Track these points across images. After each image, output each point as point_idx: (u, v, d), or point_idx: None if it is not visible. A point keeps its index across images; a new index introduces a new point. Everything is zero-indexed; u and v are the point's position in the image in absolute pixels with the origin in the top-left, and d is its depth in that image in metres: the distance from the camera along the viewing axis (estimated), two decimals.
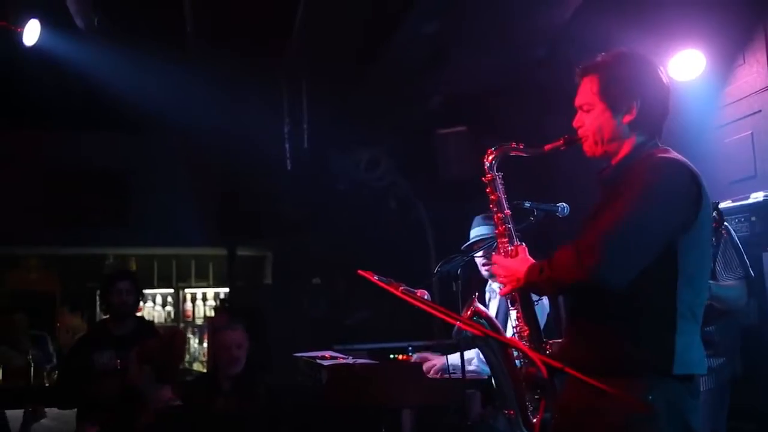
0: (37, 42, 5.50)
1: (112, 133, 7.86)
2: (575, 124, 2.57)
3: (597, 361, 2.31)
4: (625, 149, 2.50)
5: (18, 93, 6.49)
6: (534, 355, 2.03)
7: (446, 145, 6.80)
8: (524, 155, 2.77)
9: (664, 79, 2.54)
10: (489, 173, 2.81)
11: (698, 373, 2.34)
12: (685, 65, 5.16)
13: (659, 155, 2.41)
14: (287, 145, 7.27)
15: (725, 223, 3.74)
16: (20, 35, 5.46)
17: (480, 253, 4.05)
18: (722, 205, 4.34)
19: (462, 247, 4.17)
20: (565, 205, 3.56)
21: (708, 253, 2.47)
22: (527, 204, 3.59)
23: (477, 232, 4.19)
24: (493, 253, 2.85)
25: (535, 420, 2.75)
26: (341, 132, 7.14)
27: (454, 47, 5.92)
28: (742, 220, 4.23)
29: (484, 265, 4.15)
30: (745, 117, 5.07)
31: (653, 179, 2.30)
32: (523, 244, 2.75)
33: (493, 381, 3.02)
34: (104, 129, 7.76)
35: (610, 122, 2.48)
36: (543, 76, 5.59)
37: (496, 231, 2.82)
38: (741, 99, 5.11)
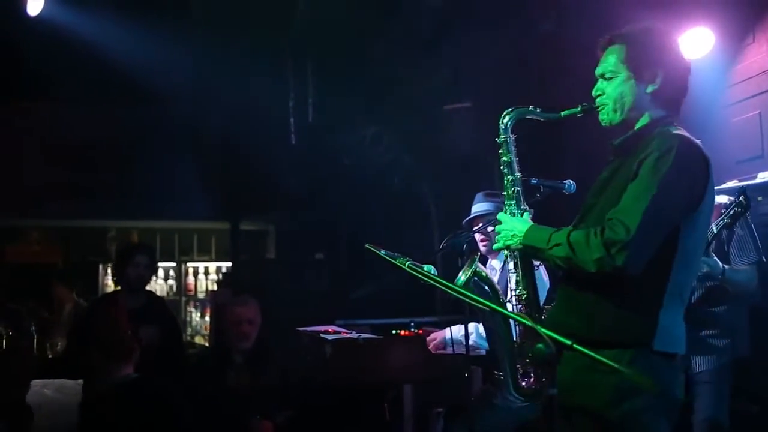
0: (41, 12, 5.47)
1: (115, 105, 7.82)
2: (595, 92, 2.57)
3: (585, 330, 2.35)
4: (643, 120, 2.51)
5: (21, 64, 6.46)
6: (543, 332, 2.04)
7: (451, 121, 6.78)
8: (540, 119, 2.74)
9: (686, 57, 2.55)
10: (503, 134, 2.77)
11: (677, 352, 2.38)
12: (693, 43, 5.12)
13: (675, 132, 2.41)
14: (292, 120, 7.25)
15: (746, 190, 3.70)
16: (24, 5, 5.43)
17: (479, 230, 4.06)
18: (728, 184, 4.33)
19: (463, 222, 4.17)
20: (571, 182, 3.54)
21: (704, 236, 2.50)
22: (534, 180, 3.57)
23: (478, 208, 4.19)
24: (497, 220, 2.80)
25: (525, 383, 2.72)
26: (346, 107, 7.12)
27: (460, 22, 5.88)
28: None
29: (482, 241, 4.15)
30: (753, 96, 5.04)
31: (670, 163, 2.29)
32: (531, 210, 2.75)
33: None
34: (108, 101, 7.72)
35: (634, 90, 2.48)
36: (550, 52, 5.55)
37: (504, 192, 2.78)
38: (750, 78, 5.08)
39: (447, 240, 3.83)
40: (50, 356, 6.29)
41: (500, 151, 2.78)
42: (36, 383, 5.43)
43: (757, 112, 5.00)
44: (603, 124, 2.56)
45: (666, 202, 2.28)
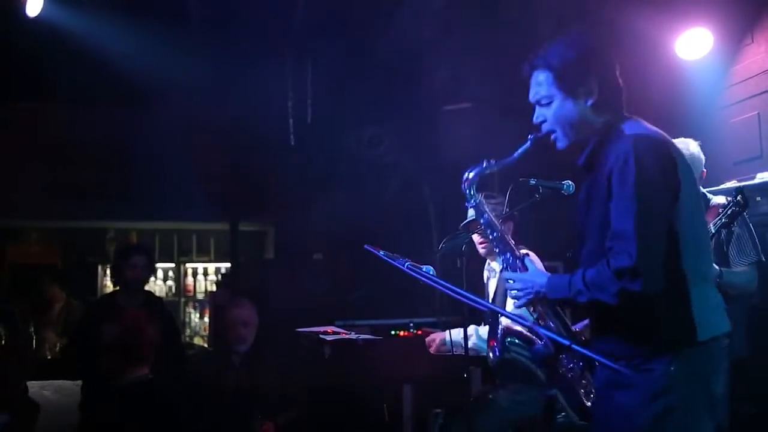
0: (40, 13, 5.46)
1: (114, 106, 7.81)
2: (536, 120, 2.54)
3: (622, 348, 2.32)
4: (594, 133, 2.48)
5: (20, 64, 6.45)
6: (542, 333, 2.05)
7: (450, 123, 6.78)
8: (496, 170, 2.71)
9: (609, 53, 2.51)
10: (472, 200, 2.77)
11: (722, 333, 2.35)
12: (692, 44, 5.14)
13: (625, 133, 2.38)
14: (291, 121, 7.24)
15: (743, 191, 3.69)
16: (23, 6, 5.42)
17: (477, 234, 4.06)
18: (727, 185, 4.33)
19: (460, 226, 4.17)
20: (570, 182, 3.55)
21: (697, 208, 2.46)
22: (532, 181, 3.59)
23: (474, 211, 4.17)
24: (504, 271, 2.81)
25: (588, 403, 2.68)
26: (345, 108, 7.11)
27: (460, 23, 5.88)
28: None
29: (480, 243, 4.15)
30: (752, 97, 5.05)
31: (634, 169, 2.26)
32: (530, 253, 2.75)
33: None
34: (107, 102, 7.70)
35: (574, 110, 2.46)
36: None
37: (497, 250, 2.80)
38: (748, 78, 5.09)
39: (446, 241, 3.84)
40: (49, 357, 6.31)
41: (475, 215, 2.81)
42: (34, 384, 5.45)
43: (756, 112, 5.00)
44: (560, 149, 2.54)
45: (651, 208, 2.26)
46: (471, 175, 2.74)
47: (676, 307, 2.30)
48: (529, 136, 2.57)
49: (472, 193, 2.76)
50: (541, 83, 2.49)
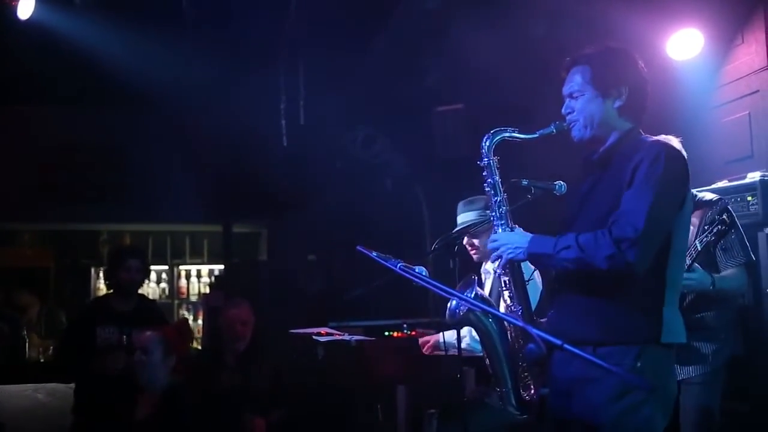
0: (32, 16, 5.45)
1: (106, 108, 7.80)
2: (565, 110, 2.72)
3: (589, 331, 2.47)
4: (614, 134, 2.67)
5: (12, 67, 6.44)
6: (534, 333, 2.07)
7: (444, 123, 6.79)
8: (518, 140, 2.88)
9: (644, 72, 2.71)
10: (485, 157, 2.90)
11: (681, 341, 2.54)
12: (683, 44, 5.15)
13: (656, 138, 2.59)
14: (283, 122, 7.24)
15: (729, 208, 3.73)
16: (15, 9, 5.41)
17: (467, 239, 4.08)
18: (718, 184, 4.35)
19: (452, 233, 4.16)
20: (562, 183, 3.56)
21: (687, 231, 2.64)
22: (524, 182, 3.59)
23: (463, 218, 4.16)
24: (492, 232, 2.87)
25: (527, 396, 2.79)
26: (338, 109, 7.12)
27: (454, 24, 5.89)
28: (739, 200, 4.23)
29: (471, 250, 4.16)
30: (742, 97, 5.07)
31: (662, 167, 2.45)
32: (520, 228, 2.84)
33: (486, 360, 3.03)
34: (99, 104, 7.70)
35: (601, 107, 2.65)
36: (542, 54, 5.57)
37: (493, 214, 2.88)
38: (739, 79, 5.11)
39: (439, 242, 3.84)
40: (42, 360, 6.30)
41: (483, 174, 2.91)
42: (28, 387, 5.44)
43: (747, 112, 5.02)
44: (575, 140, 2.72)
45: (664, 202, 2.42)
46: (491, 134, 2.89)
47: (650, 303, 2.47)
48: (553, 123, 2.75)
49: (487, 151, 2.88)
50: (577, 78, 2.69)
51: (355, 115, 7.25)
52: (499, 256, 2.71)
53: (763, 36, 4.91)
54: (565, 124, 2.72)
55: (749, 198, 4.22)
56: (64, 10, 5.72)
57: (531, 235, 2.69)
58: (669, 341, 2.47)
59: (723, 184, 4.36)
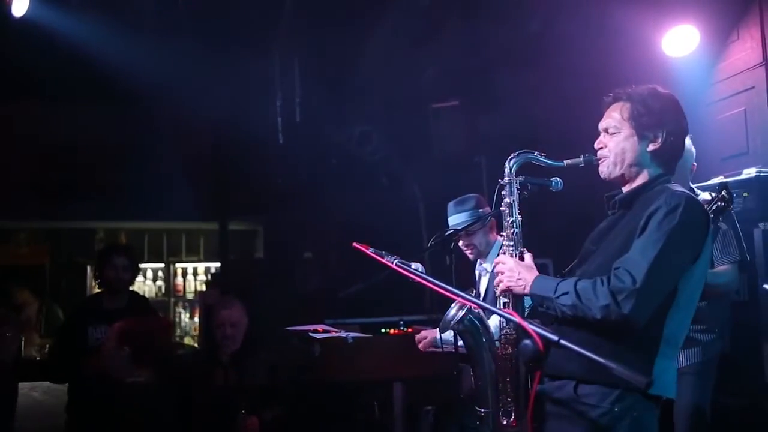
0: (26, 13, 5.43)
1: (102, 106, 7.78)
2: (597, 145, 2.67)
3: (572, 366, 2.40)
4: (642, 177, 2.61)
5: (7, 64, 6.42)
6: (530, 329, 2.06)
7: (439, 120, 6.78)
8: (543, 165, 2.80)
9: (685, 121, 2.65)
10: (507, 177, 2.83)
11: (668, 396, 2.46)
12: (679, 41, 5.16)
13: (679, 189, 2.50)
14: (279, 119, 7.22)
15: (728, 185, 3.71)
16: (9, 6, 5.39)
17: (462, 240, 4.07)
18: (713, 180, 4.36)
19: (445, 235, 4.16)
20: (558, 179, 3.56)
21: (701, 283, 2.54)
22: (521, 178, 3.59)
23: (455, 220, 4.14)
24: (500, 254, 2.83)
25: (505, 422, 2.74)
26: (334, 106, 7.11)
27: (449, 20, 5.88)
28: (734, 196, 4.23)
29: (467, 249, 4.15)
30: (738, 93, 5.08)
31: (677, 219, 2.38)
32: (530, 253, 2.78)
33: (472, 378, 3.00)
34: (95, 102, 7.68)
35: (635, 147, 2.59)
36: (537, 50, 5.57)
37: (503, 234, 2.83)
38: (735, 75, 5.12)
39: (435, 238, 3.84)
40: (38, 358, 6.28)
41: (503, 192, 2.84)
42: (24, 386, 5.42)
43: (742, 108, 5.03)
44: (602, 176, 2.66)
45: (672, 256, 2.35)
46: (517, 155, 2.82)
47: (642, 354, 2.38)
48: (583, 155, 2.69)
49: (510, 169, 2.82)
50: (615, 115, 2.63)
51: (351, 112, 7.24)
52: (501, 281, 2.65)
53: (759, 32, 4.92)
54: (594, 159, 2.66)
55: (745, 194, 4.23)
56: (59, 7, 5.71)
57: (537, 273, 2.60)
58: (655, 393, 2.37)
59: (718, 180, 4.37)
